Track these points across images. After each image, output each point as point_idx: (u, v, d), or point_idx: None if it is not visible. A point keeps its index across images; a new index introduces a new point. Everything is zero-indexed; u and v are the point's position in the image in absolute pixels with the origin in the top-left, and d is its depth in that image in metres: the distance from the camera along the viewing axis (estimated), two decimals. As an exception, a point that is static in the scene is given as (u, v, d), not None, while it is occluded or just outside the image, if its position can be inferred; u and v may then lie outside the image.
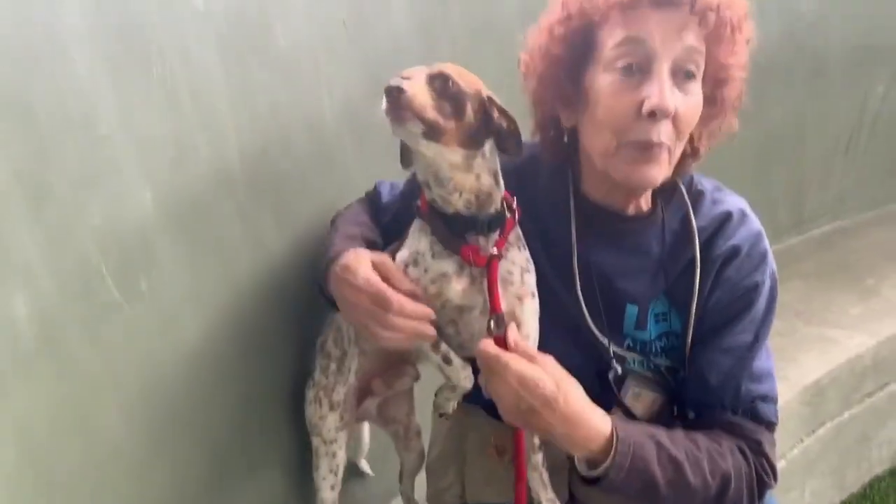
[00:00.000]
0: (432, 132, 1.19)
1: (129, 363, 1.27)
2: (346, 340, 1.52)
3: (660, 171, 1.28)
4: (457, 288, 1.29)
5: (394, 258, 1.34)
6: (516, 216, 1.32)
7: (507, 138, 1.28)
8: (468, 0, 2.21)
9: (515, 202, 1.33)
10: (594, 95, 1.29)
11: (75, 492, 1.18)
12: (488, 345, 1.23)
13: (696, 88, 1.27)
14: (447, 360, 1.32)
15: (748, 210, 1.43)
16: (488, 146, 1.28)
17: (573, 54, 1.32)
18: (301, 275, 1.64)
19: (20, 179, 1.10)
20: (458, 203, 1.27)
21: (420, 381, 1.60)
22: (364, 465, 1.89)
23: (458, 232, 1.28)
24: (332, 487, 1.56)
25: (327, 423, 1.53)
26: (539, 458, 1.39)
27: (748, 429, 1.36)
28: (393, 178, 1.69)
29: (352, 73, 1.84)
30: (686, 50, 1.23)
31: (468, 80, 1.24)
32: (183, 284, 1.38)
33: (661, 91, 1.21)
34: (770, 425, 1.38)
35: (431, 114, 1.17)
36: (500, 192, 1.31)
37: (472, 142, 1.25)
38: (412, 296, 1.25)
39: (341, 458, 1.56)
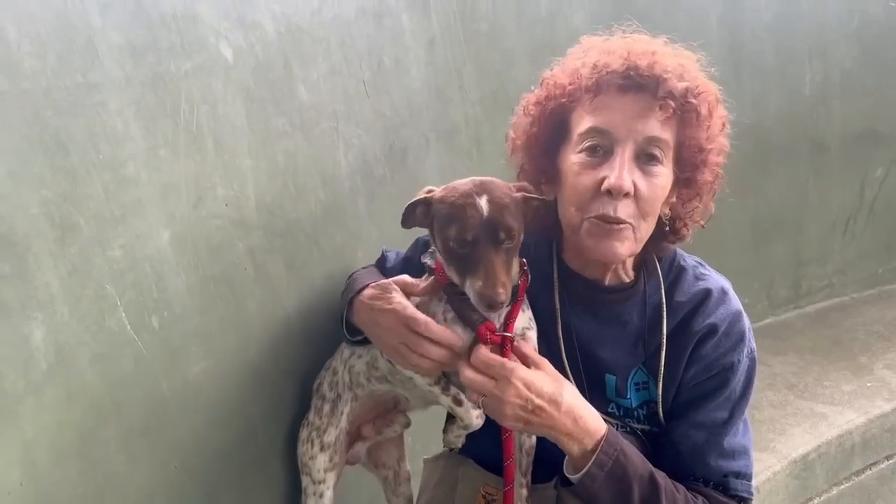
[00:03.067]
0: None
1: (133, 395, 1.32)
2: (342, 385, 1.58)
3: (623, 247, 1.34)
4: (463, 345, 1.34)
5: None
6: (528, 278, 1.38)
7: (539, 216, 1.36)
8: (482, 68, 2.31)
9: (525, 265, 1.39)
10: (565, 173, 1.38)
11: (74, 517, 1.21)
12: (489, 354, 1.29)
13: (660, 171, 1.34)
14: (458, 402, 1.38)
15: (729, 289, 1.47)
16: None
17: (549, 134, 1.42)
18: (307, 320, 1.70)
19: (50, 213, 1.17)
20: None
21: (411, 428, 1.64)
22: None
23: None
24: None
25: (317, 463, 1.57)
26: None
27: (719, 501, 1.39)
28: (400, 231, 1.75)
29: (368, 131, 1.93)
30: (647, 139, 1.31)
31: (512, 205, 1.27)
32: (192, 323, 1.43)
33: (620, 172, 1.29)
34: (741, 500, 1.41)
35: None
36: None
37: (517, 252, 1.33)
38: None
39: (328, 498, 1.59)
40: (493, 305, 1.22)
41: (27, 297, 1.13)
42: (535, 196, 1.33)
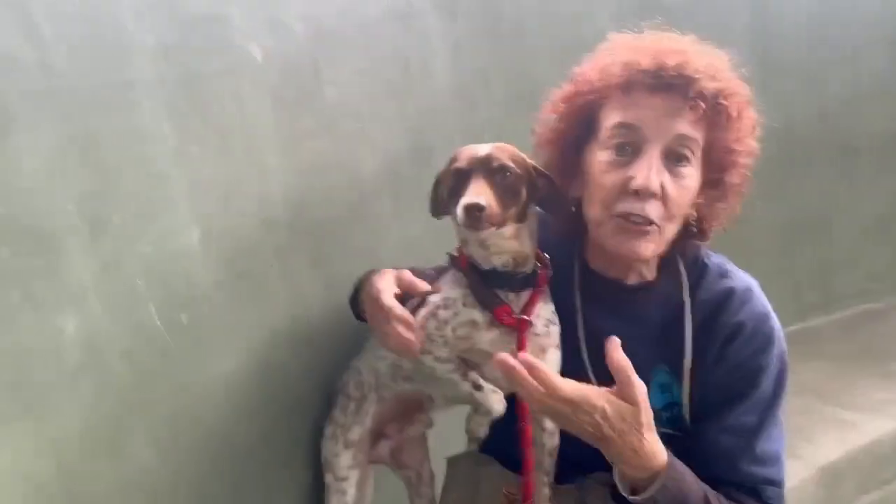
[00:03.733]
0: (497, 225, 1.29)
1: (162, 390, 1.34)
2: (367, 385, 1.59)
3: (647, 247, 1.34)
4: (486, 337, 1.36)
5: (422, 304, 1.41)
6: (549, 272, 1.39)
7: (551, 201, 1.38)
8: (507, 69, 2.31)
9: (547, 258, 1.39)
10: (591, 169, 1.37)
11: (102, 509, 1.23)
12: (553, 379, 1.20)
13: (688, 172, 1.33)
14: (478, 387, 1.38)
15: (755, 287, 1.45)
16: (531, 211, 1.37)
17: (577, 130, 1.41)
18: (332, 318, 1.71)
19: (82, 209, 1.19)
20: (497, 262, 1.35)
21: (435, 430, 1.65)
22: None
23: (493, 286, 1.36)
24: None
25: (341, 460, 1.58)
26: None
27: None
28: (425, 231, 1.76)
29: (393, 131, 1.94)
30: (677, 136, 1.31)
31: (517, 159, 1.32)
32: (221, 320, 1.45)
33: (648, 173, 1.29)
34: None
35: (499, 216, 1.28)
36: (535, 251, 1.39)
37: (522, 215, 1.34)
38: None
39: (351, 495, 1.60)
40: (470, 212, 1.23)
41: (60, 291, 1.16)
42: (545, 172, 1.36)
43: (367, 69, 1.83)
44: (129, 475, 1.28)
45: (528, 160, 1.35)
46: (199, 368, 1.41)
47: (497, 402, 1.38)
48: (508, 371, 1.18)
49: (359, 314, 1.54)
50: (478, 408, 1.40)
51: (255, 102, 1.52)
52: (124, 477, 1.27)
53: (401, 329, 1.32)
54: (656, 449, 1.23)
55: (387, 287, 1.37)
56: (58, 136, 1.15)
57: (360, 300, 1.48)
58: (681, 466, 1.28)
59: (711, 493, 1.32)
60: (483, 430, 1.44)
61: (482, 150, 1.31)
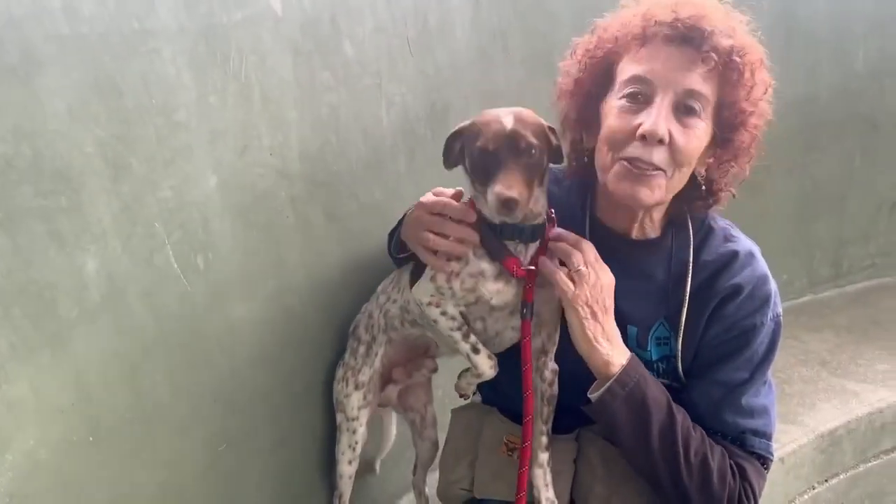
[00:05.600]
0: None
1: (179, 330, 1.40)
2: (377, 327, 1.65)
3: (650, 194, 1.37)
4: (493, 288, 1.40)
5: None
6: (555, 224, 1.43)
7: (556, 153, 1.40)
8: (526, 30, 2.32)
9: (553, 212, 1.43)
10: (605, 117, 1.41)
11: (120, 439, 1.30)
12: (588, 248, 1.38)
13: (697, 124, 1.36)
14: (475, 350, 1.44)
15: (757, 252, 1.49)
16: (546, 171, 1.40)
17: (595, 81, 1.45)
18: (344, 269, 1.76)
19: (104, 152, 1.23)
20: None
21: (438, 374, 1.71)
22: (377, 465, 1.98)
23: (503, 238, 1.40)
24: (350, 462, 1.68)
25: (351, 401, 1.65)
26: (546, 456, 1.47)
27: (737, 454, 1.42)
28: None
29: (411, 89, 1.96)
30: (687, 89, 1.33)
31: (537, 130, 1.33)
32: (236, 266, 1.50)
33: (656, 119, 1.32)
34: (760, 458, 1.44)
35: (528, 201, 1.33)
36: (545, 207, 1.42)
37: (542, 180, 1.38)
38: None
39: (361, 434, 1.68)
40: (507, 205, 1.27)
41: (81, 230, 1.21)
42: (554, 129, 1.38)
43: (385, 25, 1.85)
44: (145, 409, 1.34)
45: (544, 123, 1.37)
46: (214, 312, 1.46)
47: (490, 368, 1.45)
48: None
49: (391, 250, 1.62)
50: (471, 369, 1.46)
51: (274, 55, 1.54)
52: (141, 410, 1.33)
53: (460, 228, 1.40)
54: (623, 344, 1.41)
55: (429, 196, 1.48)
56: (81, 80, 1.19)
57: (401, 230, 1.55)
58: (646, 371, 1.40)
59: (679, 409, 1.39)
60: (471, 389, 1.52)
61: (507, 122, 1.31)
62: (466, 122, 1.38)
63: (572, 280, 1.35)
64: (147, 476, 1.36)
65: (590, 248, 1.39)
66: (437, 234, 1.41)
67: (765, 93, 1.41)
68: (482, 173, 1.32)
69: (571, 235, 1.41)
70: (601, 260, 1.39)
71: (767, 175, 3.43)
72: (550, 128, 1.38)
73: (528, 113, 1.35)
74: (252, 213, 1.53)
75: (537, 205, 1.39)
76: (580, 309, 1.35)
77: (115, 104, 1.25)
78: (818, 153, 3.41)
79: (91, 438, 1.24)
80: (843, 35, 3.33)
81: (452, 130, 1.41)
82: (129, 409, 1.31)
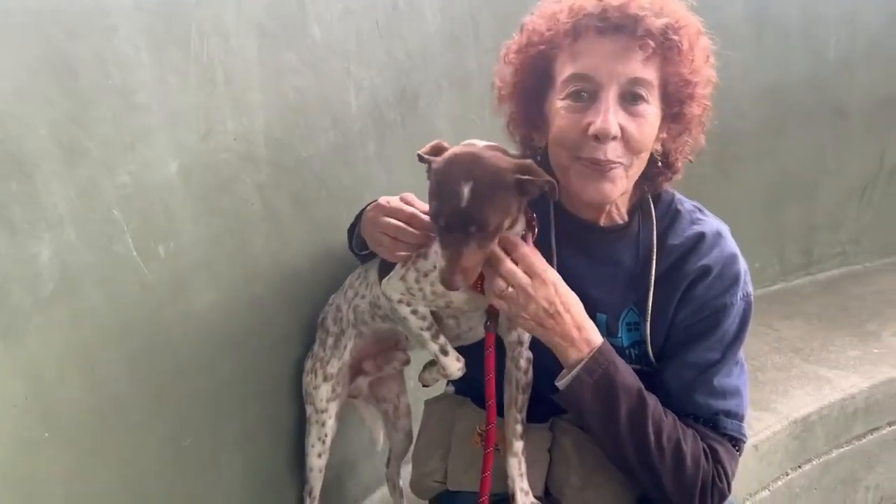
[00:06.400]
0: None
1: (139, 320, 1.35)
2: (346, 321, 1.60)
3: (613, 188, 1.35)
4: (462, 297, 1.37)
5: None
6: (535, 231, 1.37)
7: (539, 187, 1.29)
8: (497, 15, 2.28)
9: (535, 219, 1.37)
10: (552, 119, 1.37)
11: (77, 435, 1.25)
12: (533, 251, 1.33)
13: (646, 109, 1.33)
14: (444, 351, 1.41)
15: (725, 232, 1.47)
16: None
17: (534, 82, 1.41)
18: (312, 257, 1.72)
19: (58, 135, 1.18)
20: None
21: (411, 365, 1.67)
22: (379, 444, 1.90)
23: None
24: (320, 455, 1.64)
25: (320, 392, 1.61)
26: (521, 445, 1.45)
27: (709, 436, 1.41)
28: (410, 176, 1.75)
29: (380, 73, 1.91)
30: (630, 78, 1.30)
31: (498, 193, 1.22)
32: (199, 254, 1.45)
33: (605, 116, 1.29)
34: (732, 440, 1.42)
35: (478, 271, 1.28)
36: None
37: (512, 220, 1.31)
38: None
39: (330, 427, 1.64)
40: (448, 286, 1.24)
41: (35, 217, 1.15)
42: (535, 179, 1.24)
43: (354, 7, 1.81)
44: (103, 403, 1.29)
45: (512, 179, 1.23)
46: (176, 301, 1.41)
47: (457, 370, 1.41)
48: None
49: (352, 247, 1.58)
50: (438, 368, 1.43)
51: (238, 35, 1.49)
52: (99, 404, 1.28)
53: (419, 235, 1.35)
54: (595, 329, 1.37)
55: (394, 199, 1.42)
56: (31, 58, 1.13)
57: (360, 227, 1.50)
58: (617, 357, 1.36)
59: (650, 396, 1.37)
60: (434, 382, 1.48)
61: (464, 193, 1.19)
62: (436, 162, 1.26)
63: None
64: (106, 473, 1.31)
65: (525, 256, 1.31)
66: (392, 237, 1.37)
67: (706, 60, 1.39)
68: (437, 231, 1.27)
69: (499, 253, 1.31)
70: (538, 262, 1.32)
71: (738, 163, 3.44)
72: (519, 180, 1.23)
73: (491, 174, 1.21)
74: (216, 199, 1.48)
75: (517, 226, 1.34)
76: (526, 324, 1.33)
77: (69, 84, 1.20)
78: (789, 141, 3.42)
79: (46, 434, 1.19)
80: (813, 23, 3.34)
81: (422, 155, 1.30)
82: (86, 404, 1.26)
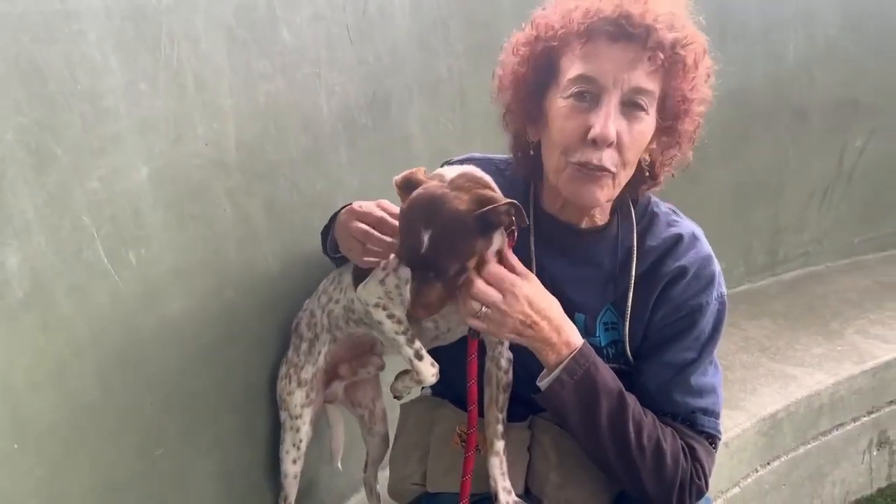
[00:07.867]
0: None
1: (110, 328, 1.33)
2: (320, 326, 1.60)
3: (602, 194, 1.37)
4: None
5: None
6: (514, 236, 1.36)
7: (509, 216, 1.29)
8: (468, 19, 2.29)
9: (516, 228, 1.34)
10: (552, 115, 1.38)
11: (47, 445, 1.22)
12: (501, 268, 1.33)
13: (643, 118, 1.35)
14: (419, 356, 1.40)
15: (701, 235, 1.50)
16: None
17: (537, 76, 1.41)
18: (285, 262, 1.71)
19: (26, 140, 1.16)
20: None
21: (386, 369, 1.67)
22: (338, 462, 1.91)
23: None
24: (294, 461, 1.63)
25: (294, 398, 1.60)
26: (501, 445, 1.45)
27: (686, 434, 1.43)
28: (382, 181, 1.74)
29: (351, 78, 1.91)
30: (634, 87, 1.32)
31: (462, 230, 1.23)
32: (171, 261, 1.44)
33: (606, 122, 1.30)
34: (709, 437, 1.45)
35: (443, 306, 1.32)
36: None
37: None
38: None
39: (305, 433, 1.63)
40: (415, 318, 1.34)
41: (2, 224, 1.13)
42: (497, 206, 1.23)
43: (324, 12, 1.80)
44: (74, 413, 1.27)
45: (473, 214, 1.22)
46: (148, 308, 1.40)
47: (432, 376, 1.41)
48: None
49: (326, 250, 1.59)
50: (411, 373, 1.42)
51: (207, 40, 1.48)
52: (70, 414, 1.26)
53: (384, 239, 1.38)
54: (575, 330, 1.39)
55: (367, 203, 1.44)
56: (-2, 63, 1.11)
57: (333, 229, 1.52)
58: (597, 358, 1.38)
59: (630, 396, 1.39)
60: (407, 392, 1.48)
61: (424, 238, 1.20)
62: (412, 194, 1.26)
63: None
64: (78, 484, 1.28)
65: (495, 273, 1.31)
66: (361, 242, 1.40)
67: (707, 78, 1.41)
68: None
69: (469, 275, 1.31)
70: (507, 277, 1.32)
71: (704, 165, 3.48)
72: (480, 215, 1.22)
73: (452, 217, 1.21)
74: (187, 205, 1.47)
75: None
76: (505, 337, 1.37)
77: (37, 89, 1.18)
78: (752, 143, 3.48)
79: (16, 446, 1.16)
80: (773, 26, 3.40)
81: (399, 182, 1.30)
82: (57, 414, 1.23)
